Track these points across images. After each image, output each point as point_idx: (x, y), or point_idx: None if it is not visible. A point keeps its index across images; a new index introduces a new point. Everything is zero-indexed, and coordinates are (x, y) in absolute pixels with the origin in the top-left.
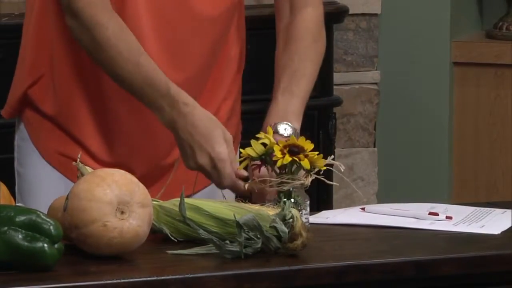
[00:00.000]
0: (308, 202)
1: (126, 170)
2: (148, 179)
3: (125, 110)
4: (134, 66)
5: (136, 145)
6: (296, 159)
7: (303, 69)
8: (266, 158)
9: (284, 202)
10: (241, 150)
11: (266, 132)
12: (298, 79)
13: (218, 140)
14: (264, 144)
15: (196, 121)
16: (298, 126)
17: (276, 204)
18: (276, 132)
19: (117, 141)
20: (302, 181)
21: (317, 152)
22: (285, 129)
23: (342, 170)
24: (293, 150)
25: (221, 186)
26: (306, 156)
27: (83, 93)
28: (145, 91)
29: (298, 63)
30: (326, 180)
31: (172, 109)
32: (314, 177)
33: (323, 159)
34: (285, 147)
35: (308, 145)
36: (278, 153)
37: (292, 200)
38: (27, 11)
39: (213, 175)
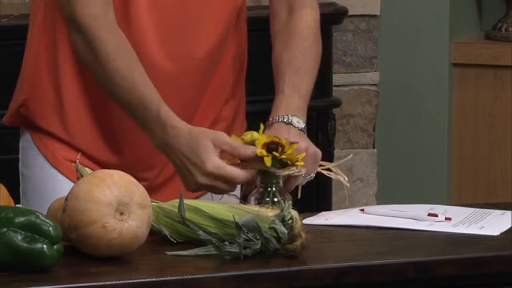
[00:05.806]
0: (290, 203)
1: (135, 178)
2: (157, 186)
3: (131, 121)
4: (130, 84)
5: (144, 154)
6: (269, 154)
7: (307, 67)
8: None
9: (273, 202)
10: None
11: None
12: (302, 77)
13: (206, 152)
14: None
15: (184, 140)
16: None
17: (260, 203)
18: (289, 123)
19: (125, 151)
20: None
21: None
22: (297, 121)
23: (346, 181)
24: (272, 146)
25: (237, 183)
26: (281, 153)
27: (89, 108)
28: (139, 112)
29: (301, 61)
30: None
31: (162, 132)
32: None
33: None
34: (266, 143)
35: (287, 145)
36: (259, 146)
37: (276, 199)
38: (30, 23)
39: (219, 186)
